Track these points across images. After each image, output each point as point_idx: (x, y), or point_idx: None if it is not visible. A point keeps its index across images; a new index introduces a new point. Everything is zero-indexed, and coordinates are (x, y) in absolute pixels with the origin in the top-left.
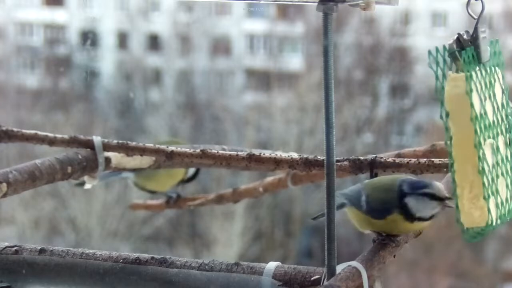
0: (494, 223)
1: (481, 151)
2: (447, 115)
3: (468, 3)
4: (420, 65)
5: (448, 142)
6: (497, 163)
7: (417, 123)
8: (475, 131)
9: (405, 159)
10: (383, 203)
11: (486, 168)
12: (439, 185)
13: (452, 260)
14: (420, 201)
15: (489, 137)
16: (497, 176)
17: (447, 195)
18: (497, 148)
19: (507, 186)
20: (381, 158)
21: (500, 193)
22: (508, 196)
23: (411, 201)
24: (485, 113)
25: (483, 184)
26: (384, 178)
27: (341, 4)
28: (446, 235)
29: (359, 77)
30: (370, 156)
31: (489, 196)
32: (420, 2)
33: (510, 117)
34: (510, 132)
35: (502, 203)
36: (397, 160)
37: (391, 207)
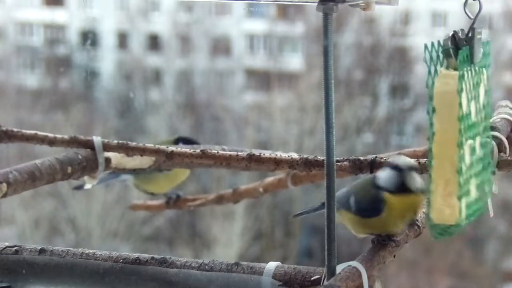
0: (462, 223)
1: (461, 151)
2: (434, 111)
3: (465, 3)
4: (420, 65)
5: (430, 137)
6: (472, 164)
7: (417, 123)
8: (459, 131)
9: None
10: (371, 200)
11: (464, 168)
12: (406, 158)
13: (452, 260)
14: (387, 173)
15: (469, 138)
16: (470, 177)
17: (412, 165)
18: (474, 149)
19: (476, 187)
20: (381, 158)
21: (471, 194)
22: (477, 197)
23: (381, 176)
24: (470, 113)
25: (459, 184)
26: (366, 178)
27: (341, 4)
28: None
29: (359, 77)
30: (370, 156)
31: (462, 196)
32: (420, 2)
33: (488, 118)
34: (486, 133)
35: (471, 203)
36: None
37: (379, 201)
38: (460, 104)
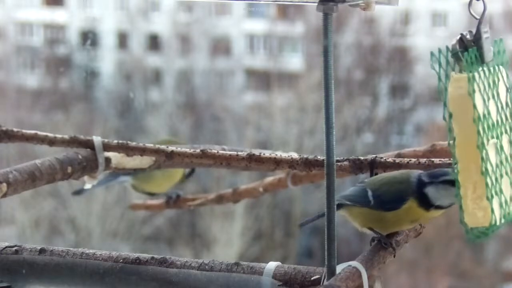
0: (498, 223)
1: (484, 151)
2: (450, 116)
3: (470, 3)
4: (420, 65)
5: (452, 142)
6: (501, 162)
7: (417, 123)
8: (478, 132)
9: (405, 159)
10: (396, 194)
11: (490, 169)
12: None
13: (452, 260)
14: (440, 189)
15: (492, 137)
16: (501, 176)
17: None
18: (501, 147)
19: (511, 184)
20: (381, 158)
21: (504, 192)
22: None
23: (431, 190)
24: (489, 113)
25: (486, 184)
26: (392, 173)
27: (341, 4)
28: (446, 235)
29: (359, 77)
30: (370, 156)
31: (492, 197)
32: (420, 2)
33: None
34: None
35: (506, 202)
36: (397, 160)
37: (405, 196)
38: (475, 106)
